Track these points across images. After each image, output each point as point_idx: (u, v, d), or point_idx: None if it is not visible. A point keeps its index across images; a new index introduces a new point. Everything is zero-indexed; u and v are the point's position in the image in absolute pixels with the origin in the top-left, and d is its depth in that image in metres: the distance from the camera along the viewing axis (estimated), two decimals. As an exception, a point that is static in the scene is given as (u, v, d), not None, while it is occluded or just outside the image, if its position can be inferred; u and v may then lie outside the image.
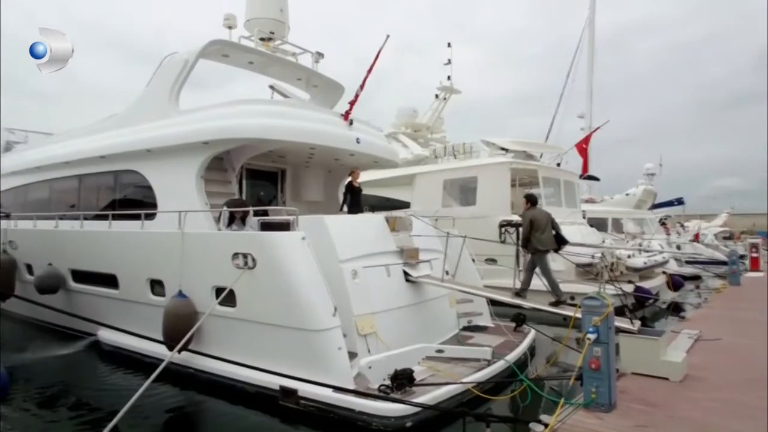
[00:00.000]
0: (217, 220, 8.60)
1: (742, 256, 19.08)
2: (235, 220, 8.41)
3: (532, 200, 9.33)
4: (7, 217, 13.01)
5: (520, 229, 9.85)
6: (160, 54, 10.74)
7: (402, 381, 6.33)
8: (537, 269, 9.17)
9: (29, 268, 11.88)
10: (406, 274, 8.99)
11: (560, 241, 9.00)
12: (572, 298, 12.45)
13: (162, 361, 6.13)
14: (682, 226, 32.51)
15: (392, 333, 7.91)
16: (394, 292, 8.62)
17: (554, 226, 9.02)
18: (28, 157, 14.07)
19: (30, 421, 6.94)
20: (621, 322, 7.21)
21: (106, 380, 8.47)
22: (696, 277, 21.07)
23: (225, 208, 8.53)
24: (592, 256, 13.56)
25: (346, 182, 11.40)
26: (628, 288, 12.71)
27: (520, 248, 8.86)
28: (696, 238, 26.90)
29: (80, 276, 10.71)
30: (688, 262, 21.86)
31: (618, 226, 24.01)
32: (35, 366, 9.22)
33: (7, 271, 11.71)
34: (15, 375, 7.83)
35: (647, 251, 16.64)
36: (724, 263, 19.01)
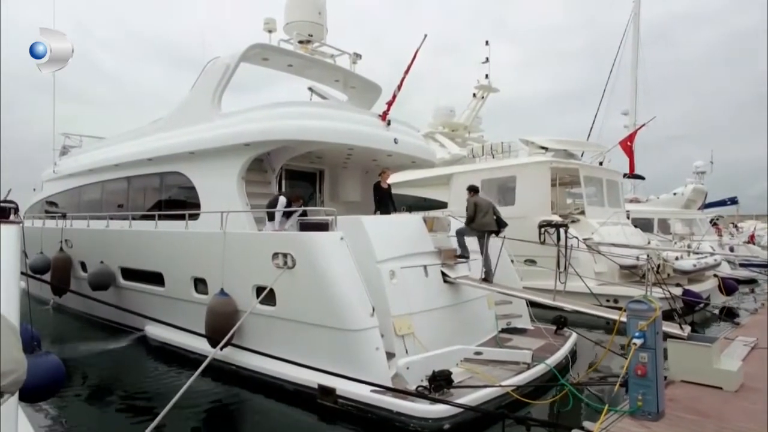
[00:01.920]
0: (270, 216, 8.84)
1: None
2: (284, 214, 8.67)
3: (474, 190, 10.02)
4: (64, 217, 13.76)
5: (561, 230, 9.80)
6: (203, 59, 11.03)
7: (440, 382, 6.28)
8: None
9: (83, 265, 12.52)
10: (443, 274, 8.94)
11: (500, 224, 9.61)
12: (616, 301, 12.14)
13: (205, 357, 6.31)
14: (735, 227, 30.95)
15: (430, 334, 7.88)
16: (432, 293, 8.59)
17: (495, 212, 9.64)
18: (82, 161, 14.81)
19: (82, 410, 7.33)
20: (669, 327, 6.91)
21: (153, 374, 8.80)
22: (751, 281, 19.99)
23: (282, 199, 8.78)
24: (637, 258, 13.08)
25: (375, 183, 11.28)
26: (677, 291, 12.19)
27: (466, 226, 9.69)
28: (751, 239, 25.61)
29: (129, 273, 11.18)
30: (742, 265, 20.74)
31: (664, 226, 23.05)
32: (88, 358, 9.68)
33: (64, 268, 12.44)
34: (69, 366, 8.24)
35: (697, 253, 15.90)
36: (782, 266, 17.99)
